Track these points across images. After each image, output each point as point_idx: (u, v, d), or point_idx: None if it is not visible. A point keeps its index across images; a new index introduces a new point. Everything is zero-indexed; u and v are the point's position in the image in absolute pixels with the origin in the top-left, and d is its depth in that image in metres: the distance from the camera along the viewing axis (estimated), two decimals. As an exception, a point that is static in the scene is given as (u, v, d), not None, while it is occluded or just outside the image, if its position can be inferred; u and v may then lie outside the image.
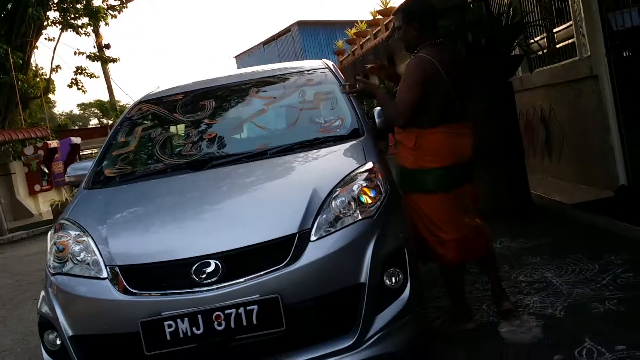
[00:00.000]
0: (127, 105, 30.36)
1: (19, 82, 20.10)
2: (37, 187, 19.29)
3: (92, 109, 49.81)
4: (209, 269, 2.78)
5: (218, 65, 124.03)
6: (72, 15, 22.58)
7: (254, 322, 2.73)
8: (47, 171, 19.60)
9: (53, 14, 22.65)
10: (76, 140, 20.22)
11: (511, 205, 6.23)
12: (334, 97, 4.05)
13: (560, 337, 3.34)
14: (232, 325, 2.73)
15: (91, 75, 24.48)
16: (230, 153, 3.76)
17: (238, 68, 40.83)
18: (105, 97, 29.11)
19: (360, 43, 25.60)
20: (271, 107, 4.15)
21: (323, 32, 31.20)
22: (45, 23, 22.30)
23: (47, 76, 24.41)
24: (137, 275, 2.86)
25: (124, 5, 23.87)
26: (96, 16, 22.45)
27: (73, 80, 24.29)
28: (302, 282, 2.80)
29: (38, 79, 23.13)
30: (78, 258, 3.02)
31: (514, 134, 6.48)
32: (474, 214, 3.69)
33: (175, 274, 2.84)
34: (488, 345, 3.43)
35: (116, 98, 31.75)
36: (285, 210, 3.00)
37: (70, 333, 2.90)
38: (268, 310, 2.74)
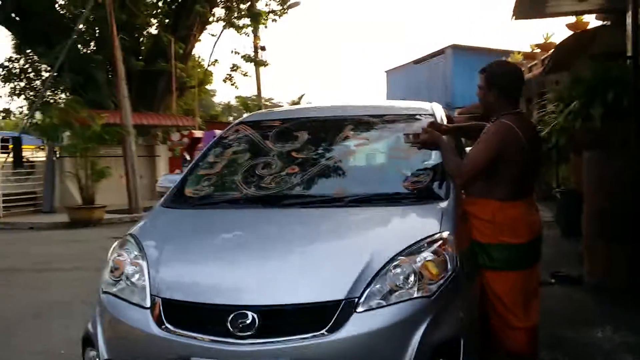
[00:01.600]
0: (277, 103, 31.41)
1: (177, 70, 21.35)
2: (177, 172, 20.36)
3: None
4: (245, 321, 2.66)
5: (368, 78, 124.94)
6: (235, 15, 23.70)
7: None
8: (188, 158, 20.64)
9: (218, 11, 23.92)
10: (220, 132, 21.13)
11: (628, 285, 5.57)
12: (429, 149, 3.76)
13: None
14: None
15: (244, 74, 25.61)
16: (305, 194, 3.61)
17: (388, 82, 40.82)
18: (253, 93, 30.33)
19: (514, 74, 24.54)
20: (362, 149, 3.95)
21: (476, 59, 30.15)
22: (210, 19, 23.60)
23: (205, 68, 25.79)
24: (175, 311, 2.79)
25: (285, 11, 24.72)
26: (257, 18, 23.39)
27: (227, 76, 25.53)
28: (337, 356, 2.60)
29: (196, 70, 24.49)
30: (131, 280, 3.01)
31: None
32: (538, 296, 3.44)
33: (212, 318, 2.74)
34: None
35: (267, 96, 32.90)
36: (336, 271, 2.80)
37: (105, 356, 2.89)
38: None
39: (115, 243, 3.36)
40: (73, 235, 13.32)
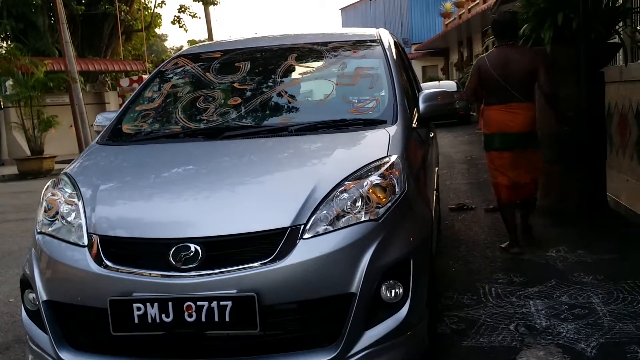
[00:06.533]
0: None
1: (122, 13, 20.57)
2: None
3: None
4: (188, 254, 2.55)
5: (323, 16, 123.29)
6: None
7: (227, 319, 2.49)
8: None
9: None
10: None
11: (581, 209, 5.65)
12: (376, 73, 3.65)
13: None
14: (203, 318, 2.50)
15: (193, 15, 24.83)
16: (249, 124, 3.48)
17: (343, 21, 40.26)
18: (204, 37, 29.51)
19: (469, 7, 24.49)
20: (307, 77, 3.81)
21: (432, -7, 29.99)
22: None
23: (152, 10, 24.91)
24: (114, 248, 2.67)
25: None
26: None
27: (175, 18, 24.73)
28: (285, 283, 2.52)
29: (142, 12, 23.63)
30: (67, 219, 2.86)
31: (597, 128, 5.83)
32: (531, 172, 5.04)
33: (153, 253, 2.63)
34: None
35: (219, 39, 32.13)
36: (282, 199, 2.70)
37: (44, 297, 2.76)
38: (242, 308, 2.49)
39: (49, 182, 3.19)
40: (23, 186, 12.99)
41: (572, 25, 5.43)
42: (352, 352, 2.56)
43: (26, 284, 2.91)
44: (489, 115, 4.99)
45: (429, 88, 4.50)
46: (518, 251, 4.86)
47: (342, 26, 38.03)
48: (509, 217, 5.00)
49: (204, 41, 31.79)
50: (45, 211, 2.97)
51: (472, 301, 3.98)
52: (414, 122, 3.58)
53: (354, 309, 2.55)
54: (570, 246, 4.97)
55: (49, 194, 3.04)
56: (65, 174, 3.17)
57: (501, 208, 5.12)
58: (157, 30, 29.09)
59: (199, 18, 25.66)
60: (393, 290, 2.65)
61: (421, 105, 3.63)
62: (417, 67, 30.54)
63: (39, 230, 2.94)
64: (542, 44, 5.53)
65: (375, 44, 3.94)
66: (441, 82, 24.25)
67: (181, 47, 49.41)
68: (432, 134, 4.89)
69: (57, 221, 2.89)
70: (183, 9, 24.54)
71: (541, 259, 4.76)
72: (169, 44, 50.08)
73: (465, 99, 5.50)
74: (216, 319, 2.49)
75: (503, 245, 5.04)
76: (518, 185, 4.96)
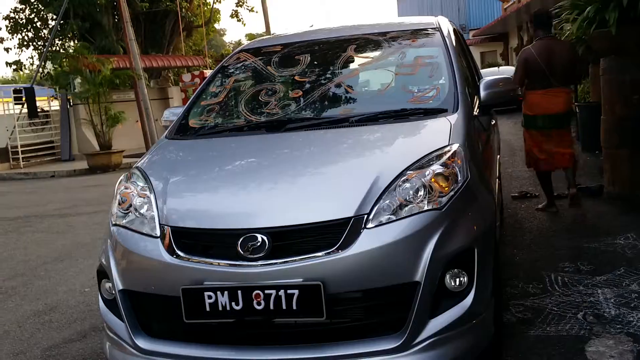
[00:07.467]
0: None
1: (183, 10, 20.99)
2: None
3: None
4: (255, 244, 2.63)
5: (378, 4, 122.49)
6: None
7: (294, 307, 2.56)
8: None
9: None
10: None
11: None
12: (435, 62, 3.64)
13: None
14: (271, 306, 2.58)
15: (251, 10, 25.12)
16: (310, 116, 3.53)
17: (399, 8, 39.88)
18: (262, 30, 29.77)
19: (529, -10, 23.83)
20: (366, 68, 3.84)
21: (491, -23, 29.35)
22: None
23: (211, 6, 25.30)
24: (185, 239, 2.77)
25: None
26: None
27: (234, 12, 25.07)
28: (350, 272, 2.57)
29: (202, 8, 24.03)
30: (140, 212, 2.98)
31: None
32: (566, 146, 5.77)
33: (222, 243, 2.72)
34: (570, 363, 3.03)
35: (276, 33, 32.36)
36: (345, 190, 2.75)
37: (120, 286, 2.89)
38: (309, 297, 2.54)
39: (122, 176, 3.33)
40: (93, 180, 13.48)
41: (637, 6, 5.25)
42: (418, 340, 2.58)
43: (103, 274, 3.05)
44: (532, 99, 5.72)
45: (488, 74, 4.49)
46: (555, 210, 5.80)
47: (398, 15, 37.57)
48: (546, 181, 5.90)
49: (262, 34, 32.16)
50: (119, 204, 3.10)
51: (537, 290, 3.94)
52: (475, 109, 3.56)
53: (419, 298, 2.57)
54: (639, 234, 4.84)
55: (122, 188, 3.17)
56: (137, 168, 3.30)
57: (538, 174, 6.02)
58: (216, 25, 29.54)
59: (256, 12, 25.95)
60: (457, 279, 2.66)
61: (482, 93, 3.61)
62: (475, 53, 29.98)
63: (113, 223, 3.06)
64: (607, 25, 5.37)
65: (434, 32, 3.93)
66: (500, 67, 23.74)
67: (239, 41, 49.88)
68: (494, 121, 4.84)
69: (130, 213, 3.01)
70: (241, 3, 24.92)
71: (609, 247, 4.65)
72: (227, 38, 50.75)
73: (514, 84, 5.70)
74: (284, 306, 2.56)
75: (540, 206, 6.00)
76: (552, 156, 5.76)
